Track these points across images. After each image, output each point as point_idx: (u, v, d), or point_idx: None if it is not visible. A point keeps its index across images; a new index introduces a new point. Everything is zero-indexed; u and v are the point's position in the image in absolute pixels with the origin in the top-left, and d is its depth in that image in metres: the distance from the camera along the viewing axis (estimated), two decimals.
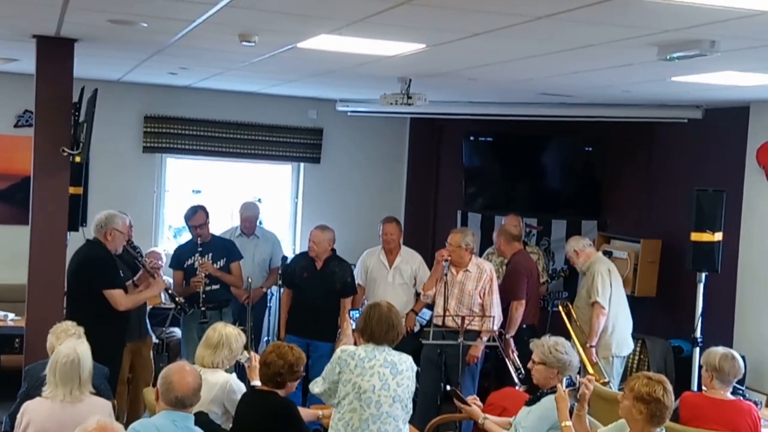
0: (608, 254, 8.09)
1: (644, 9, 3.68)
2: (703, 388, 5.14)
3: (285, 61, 6.04)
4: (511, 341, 6.73)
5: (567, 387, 4.40)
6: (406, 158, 9.97)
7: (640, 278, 8.09)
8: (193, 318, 6.83)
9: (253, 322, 7.26)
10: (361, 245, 7.93)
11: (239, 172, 9.57)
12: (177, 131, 8.99)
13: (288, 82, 7.85)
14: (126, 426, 3.87)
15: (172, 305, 6.82)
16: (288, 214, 9.77)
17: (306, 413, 4.95)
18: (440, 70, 6.08)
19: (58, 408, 4.28)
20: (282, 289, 7.46)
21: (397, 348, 4.50)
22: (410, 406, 4.46)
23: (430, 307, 7.04)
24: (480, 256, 7.39)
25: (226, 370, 4.84)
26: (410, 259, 7.45)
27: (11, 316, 7.48)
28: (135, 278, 6.34)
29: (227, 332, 4.84)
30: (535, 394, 4.64)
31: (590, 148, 9.15)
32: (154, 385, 4.21)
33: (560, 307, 7.21)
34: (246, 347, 5.04)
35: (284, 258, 8.21)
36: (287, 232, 9.67)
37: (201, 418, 4.21)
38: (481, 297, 6.55)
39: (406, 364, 4.43)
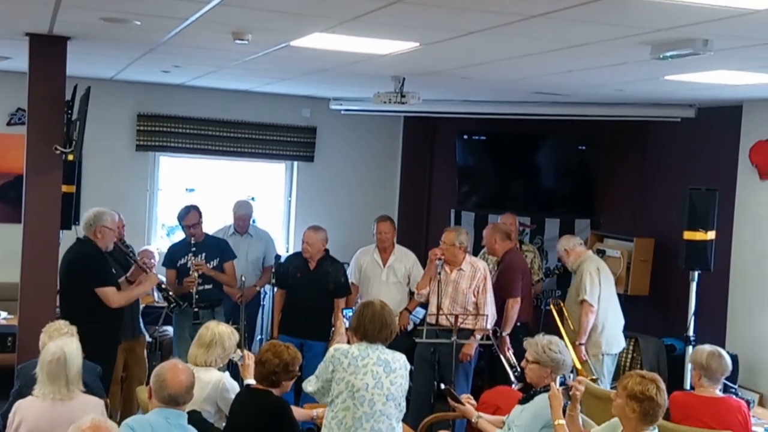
0: (601, 253, 8.12)
1: (638, 8, 3.68)
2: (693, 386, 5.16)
3: (278, 60, 6.04)
4: (507, 339, 6.74)
5: (560, 386, 4.41)
6: (400, 157, 9.97)
7: (633, 277, 8.11)
8: (186, 317, 6.82)
9: (246, 321, 7.25)
10: (354, 244, 7.93)
11: (232, 170, 9.56)
12: (170, 129, 8.97)
13: (281, 81, 7.84)
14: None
15: (165, 303, 6.80)
16: (281, 212, 9.77)
17: (300, 413, 4.95)
18: (434, 68, 6.08)
19: (48, 406, 4.27)
20: (275, 289, 7.46)
21: (390, 346, 4.49)
22: (403, 404, 4.46)
23: (424, 305, 7.04)
24: (474, 254, 7.39)
25: (219, 369, 4.84)
26: (404, 258, 7.45)
27: (4, 314, 7.48)
28: (128, 275, 6.33)
29: (220, 331, 4.83)
30: (528, 392, 4.64)
31: (584, 147, 9.16)
32: (148, 383, 4.20)
33: (552, 305, 7.22)
34: (239, 346, 5.03)
35: (277, 257, 8.21)
36: (281, 231, 9.67)
37: (194, 417, 4.21)
38: (475, 295, 6.55)
39: (399, 362, 4.43)
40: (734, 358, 6.61)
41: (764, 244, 7.03)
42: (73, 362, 4.34)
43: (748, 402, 5.41)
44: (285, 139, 9.41)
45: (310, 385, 4.48)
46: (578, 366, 6.57)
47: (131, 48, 6.09)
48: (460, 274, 6.58)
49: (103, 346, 5.69)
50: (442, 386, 5.74)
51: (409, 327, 7.30)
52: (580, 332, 6.85)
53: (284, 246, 9.50)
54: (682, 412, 4.96)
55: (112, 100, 8.55)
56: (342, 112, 9.35)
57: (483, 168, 9.64)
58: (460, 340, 6.33)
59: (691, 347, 6.50)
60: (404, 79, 6.45)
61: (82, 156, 6.94)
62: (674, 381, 6.54)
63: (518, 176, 9.48)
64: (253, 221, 8.40)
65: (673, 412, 4.95)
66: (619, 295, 7.26)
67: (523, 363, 4.70)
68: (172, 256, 7.11)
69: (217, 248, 7.15)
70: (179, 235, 7.65)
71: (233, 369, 5.34)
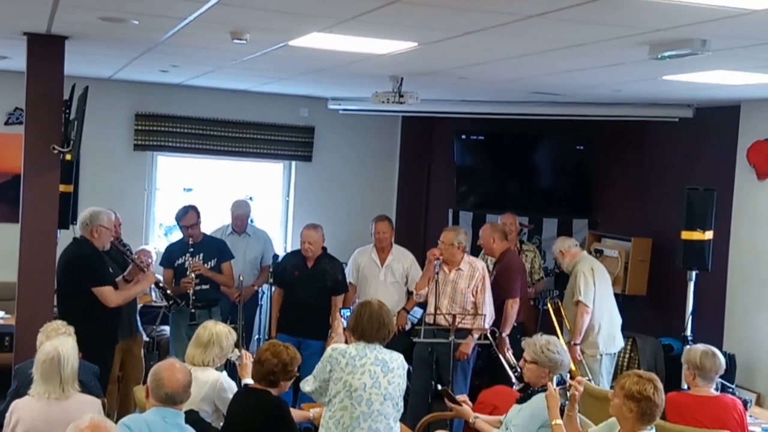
0: (599, 253, 8.12)
1: (636, 8, 3.68)
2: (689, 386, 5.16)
3: (277, 59, 6.03)
4: (507, 340, 6.74)
5: (557, 385, 4.41)
6: (398, 156, 9.97)
7: (630, 277, 8.11)
8: (182, 317, 6.81)
9: (244, 321, 7.25)
10: (352, 243, 7.93)
11: (230, 170, 9.56)
12: (168, 129, 8.97)
13: (279, 80, 7.84)
14: None
15: (163, 303, 6.79)
16: (279, 212, 9.77)
17: (297, 414, 4.95)
18: (432, 68, 6.08)
19: (45, 406, 4.27)
20: (273, 288, 7.46)
21: (388, 346, 4.50)
22: (401, 404, 4.46)
23: (422, 305, 7.04)
24: (472, 254, 7.39)
25: (217, 369, 4.83)
26: (402, 258, 7.45)
27: (1, 314, 7.47)
28: (125, 273, 6.32)
29: (218, 330, 4.83)
30: (526, 392, 4.64)
31: (582, 147, 9.17)
32: (145, 383, 4.20)
33: (549, 305, 7.22)
34: (237, 345, 5.03)
35: (275, 256, 8.20)
36: (278, 231, 9.67)
37: (191, 417, 4.20)
38: (473, 295, 6.54)
39: (397, 362, 4.43)
40: (731, 358, 6.64)
41: (762, 243, 7.03)
42: (67, 362, 4.33)
43: (745, 401, 5.41)
44: (283, 138, 9.41)
45: (307, 385, 4.48)
46: (572, 366, 6.56)
47: (129, 48, 6.08)
48: (459, 273, 6.57)
49: (100, 345, 5.69)
50: (440, 387, 5.74)
51: (407, 327, 7.30)
52: (575, 332, 6.83)
53: (282, 246, 9.50)
54: (678, 412, 4.95)
55: (110, 100, 8.55)
56: (340, 111, 9.35)
57: (481, 168, 9.64)
58: (457, 340, 6.33)
59: (688, 347, 6.50)
60: (402, 79, 6.45)
61: (80, 155, 6.93)
62: (672, 380, 6.54)
63: (516, 176, 9.48)
64: (251, 221, 8.40)
65: (668, 413, 4.94)
66: (616, 295, 7.26)
67: (521, 363, 4.70)
68: (170, 256, 7.10)
69: (215, 248, 7.14)
70: (177, 235, 7.64)
71: (231, 369, 5.34)
